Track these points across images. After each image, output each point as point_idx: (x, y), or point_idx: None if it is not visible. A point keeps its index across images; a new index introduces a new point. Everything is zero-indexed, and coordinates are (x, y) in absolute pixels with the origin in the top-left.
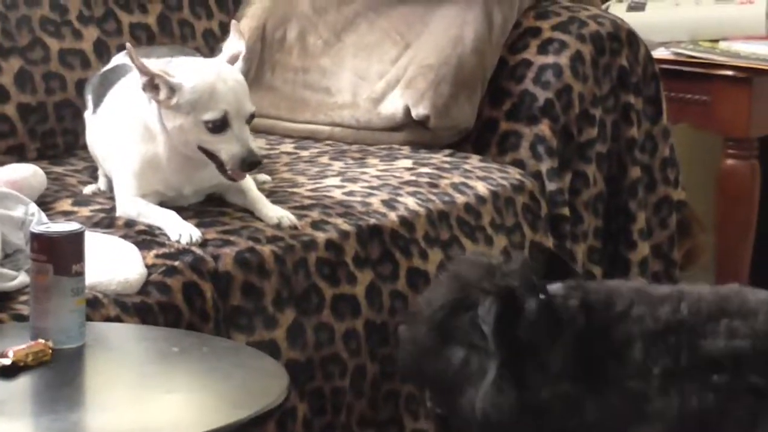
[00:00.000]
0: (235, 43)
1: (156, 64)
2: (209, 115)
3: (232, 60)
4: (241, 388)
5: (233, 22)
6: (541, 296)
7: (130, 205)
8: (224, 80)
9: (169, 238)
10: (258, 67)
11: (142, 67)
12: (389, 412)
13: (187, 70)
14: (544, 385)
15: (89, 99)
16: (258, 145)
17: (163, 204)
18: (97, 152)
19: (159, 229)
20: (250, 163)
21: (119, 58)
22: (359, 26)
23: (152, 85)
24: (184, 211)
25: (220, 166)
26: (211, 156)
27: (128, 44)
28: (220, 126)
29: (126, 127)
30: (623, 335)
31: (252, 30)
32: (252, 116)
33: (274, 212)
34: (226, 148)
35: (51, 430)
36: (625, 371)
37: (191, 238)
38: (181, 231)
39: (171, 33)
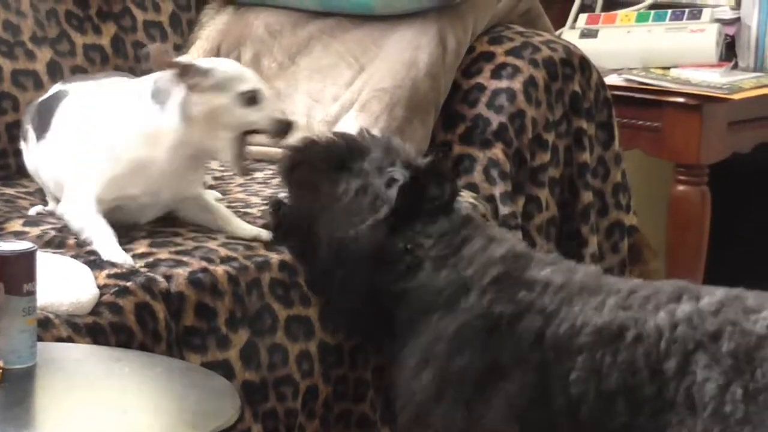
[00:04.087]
0: None
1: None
2: (246, 86)
3: None
4: (193, 409)
5: None
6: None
7: (79, 207)
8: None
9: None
10: None
11: (174, 62)
12: None
13: (205, 61)
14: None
15: (28, 129)
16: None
17: (119, 220)
18: (45, 177)
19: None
20: (286, 125)
21: (56, 87)
22: (314, 49)
23: (185, 74)
24: (137, 230)
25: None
26: (245, 134)
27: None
28: (255, 97)
29: (103, 141)
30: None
31: (206, 52)
32: None
33: (249, 226)
34: (264, 114)
35: None
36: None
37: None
38: (113, 254)
39: (125, 55)
